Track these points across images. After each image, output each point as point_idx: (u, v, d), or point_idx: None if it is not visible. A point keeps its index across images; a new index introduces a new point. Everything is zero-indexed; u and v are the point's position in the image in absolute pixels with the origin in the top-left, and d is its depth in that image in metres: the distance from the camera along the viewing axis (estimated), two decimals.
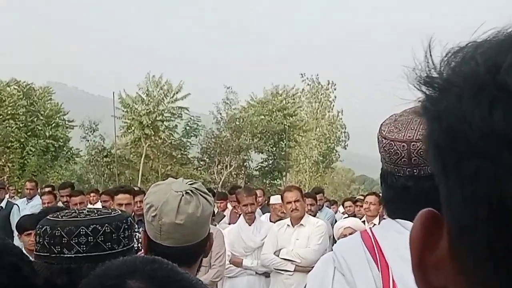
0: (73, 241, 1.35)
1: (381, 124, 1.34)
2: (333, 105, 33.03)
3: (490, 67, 0.33)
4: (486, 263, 0.33)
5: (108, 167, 27.85)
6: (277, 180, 31.20)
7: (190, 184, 1.65)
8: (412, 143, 1.25)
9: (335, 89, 32.86)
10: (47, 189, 8.98)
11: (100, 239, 1.38)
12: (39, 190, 9.26)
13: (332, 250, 1.47)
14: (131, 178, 27.26)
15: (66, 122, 28.90)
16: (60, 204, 7.59)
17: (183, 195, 1.59)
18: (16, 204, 7.74)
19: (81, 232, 1.36)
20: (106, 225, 1.42)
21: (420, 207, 0.40)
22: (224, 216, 6.95)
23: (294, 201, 4.38)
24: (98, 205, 7.38)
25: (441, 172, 0.36)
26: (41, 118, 26.66)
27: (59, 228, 1.36)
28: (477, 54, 0.34)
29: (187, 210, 1.57)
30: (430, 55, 0.38)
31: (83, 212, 1.46)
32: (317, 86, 32.42)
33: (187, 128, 29.46)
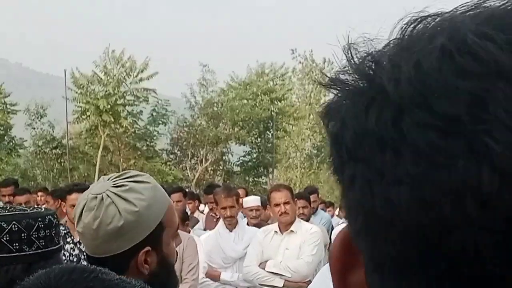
0: None
1: None
2: None
3: (368, 65, 0.39)
4: (374, 276, 0.39)
5: (59, 160, 29.17)
6: (263, 177, 32.18)
7: (117, 186, 1.66)
8: None
9: (332, 69, 33.40)
10: None
11: (4, 238, 1.44)
12: None
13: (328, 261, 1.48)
14: (86, 174, 28.14)
15: (8, 106, 30.08)
16: (0, 204, 7.63)
17: (87, 201, 1.64)
18: None
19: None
20: (14, 222, 1.47)
21: None
22: (198, 221, 7.17)
23: (283, 203, 4.46)
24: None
25: (335, 179, 0.41)
26: None
27: None
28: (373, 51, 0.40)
29: (85, 219, 1.63)
30: (349, 53, 0.41)
31: (2, 208, 1.56)
32: (310, 64, 33.14)
33: (154, 114, 30.70)
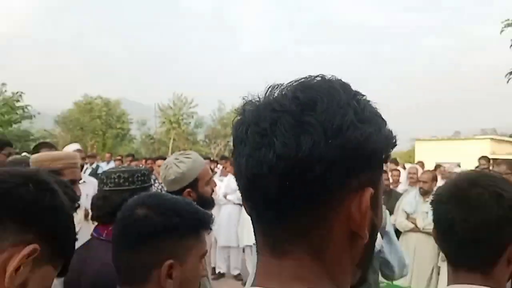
0: (108, 180, 1.87)
1: None
2: None
3: (244, 106, 0.64)
4: None
5: (152, 145, 37.55)
6: None
7: (176, 159, 2.17)
8: None
9: None
10: (118, 158, 12.17)
11: (122, 180, 1.85)
12: (112, 158, 12.79)
13: None
14: (165, 151, 34.04)
15: (129, 120, 40.64)
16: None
17: (165, 164, 2.17)
18: (101, 166, 10.76)
19: (113, 176, 1.86)
20: (123, 172, 1.87)
21: None
22: (216, 172, 9.05)
23: None
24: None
25: None
26: (114, 117, 38.76)
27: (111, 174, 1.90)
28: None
29: (164, 173, 2.15)
30: (244, 99, 0.64)
31: (123, 167, 2.00)
32: None
33: (196, 123, 40.16)
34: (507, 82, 7.58)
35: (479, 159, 8.59)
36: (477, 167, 8.90)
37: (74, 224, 0.94)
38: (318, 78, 0.62)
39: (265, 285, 0.61)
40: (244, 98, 0.63)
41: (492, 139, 27.20)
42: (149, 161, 9.87)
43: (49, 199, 0.84)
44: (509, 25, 7.60)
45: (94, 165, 10.91)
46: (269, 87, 0.62)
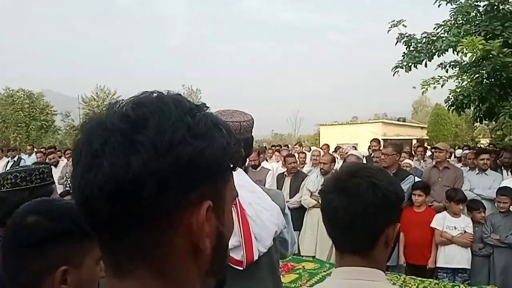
0: (5, 181, 1.75)
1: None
2: None
3: (86, 120, 0.57)
4: None
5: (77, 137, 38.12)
6: None
7: None
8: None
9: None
10: (40, 150, 11.26)
11: (19, 180, 1.73)
12: (35, 150, 11.80)
13: None
14: None
15: (53, 112, 36.46)
16: (48, 159, 9.12)
17: None
18: (23, 159, 10.49)
19: (10, 177, 1.75)
20: (23, 172, 1.75)
21: None
22: None
23: None
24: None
25: None
26: (38, 109, 35.94)
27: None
28: None
29: None
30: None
31: (21, 167, 1.87)
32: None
33: None
34: (393, 75, 8.03)
35: (371, 141, 9.11)
36: (369, 147, 9.49)
37: None
38: (154, 95, 0.57)
39: None
40: (88, 116, 0.57)
41: (383, 122, 29.14)
42: (68, 152, 9.75)
43: None
44: (394, 25, 8.10)
45: (16, 158, 10.58)
46: (110, 104, 0.56)
